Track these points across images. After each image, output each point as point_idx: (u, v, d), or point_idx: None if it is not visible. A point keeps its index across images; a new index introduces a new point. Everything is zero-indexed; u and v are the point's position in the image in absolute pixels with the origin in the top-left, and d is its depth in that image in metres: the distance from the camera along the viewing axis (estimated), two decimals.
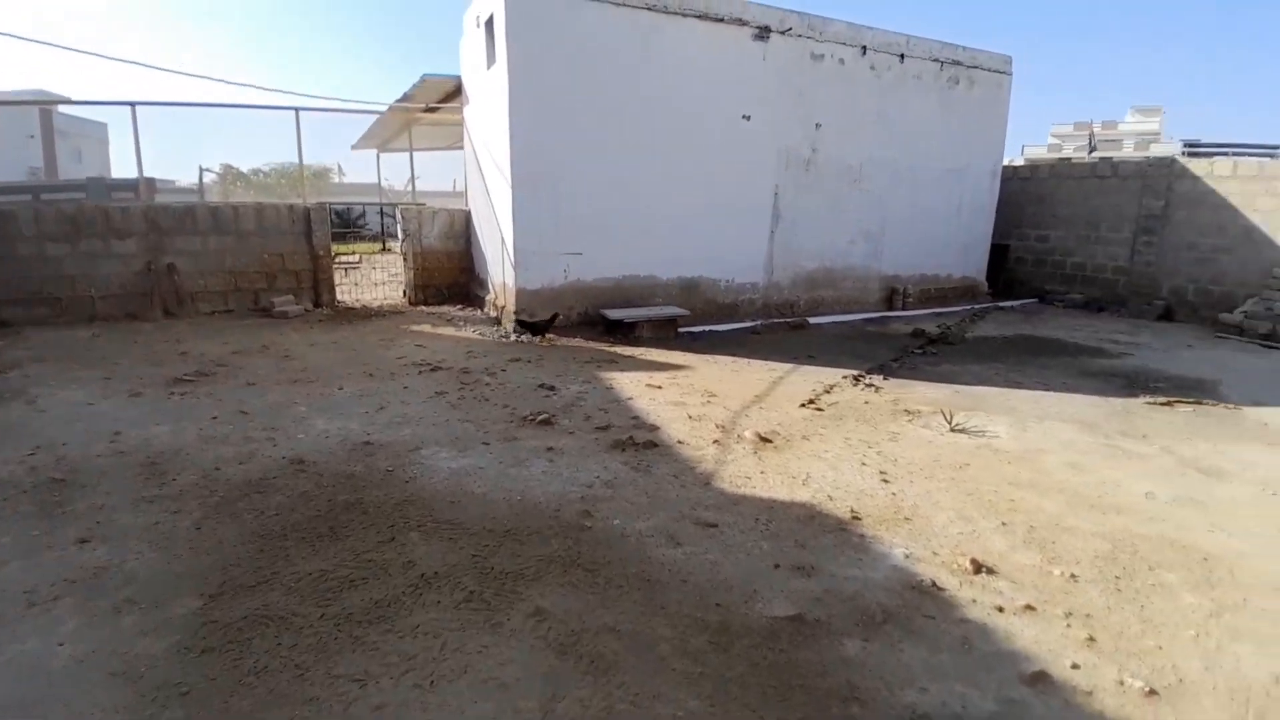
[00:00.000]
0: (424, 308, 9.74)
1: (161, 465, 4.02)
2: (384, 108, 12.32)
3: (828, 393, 5.88)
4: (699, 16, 8.47)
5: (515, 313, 7.94)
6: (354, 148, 19.15)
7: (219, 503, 3.56)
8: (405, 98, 11.68)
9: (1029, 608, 2.81)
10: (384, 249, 18.50)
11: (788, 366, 6.83)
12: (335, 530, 3.28)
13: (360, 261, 14.30)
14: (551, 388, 5.72)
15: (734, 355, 7.24)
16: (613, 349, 7.32)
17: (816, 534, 3.36)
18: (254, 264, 9.08)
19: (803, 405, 5.46)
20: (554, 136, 7.84)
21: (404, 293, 10.23)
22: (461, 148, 11.92)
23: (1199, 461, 4.53)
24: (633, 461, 4.16)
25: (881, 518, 3.56)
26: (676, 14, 8.32)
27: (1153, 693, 2.32)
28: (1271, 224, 9.73)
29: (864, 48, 9.84)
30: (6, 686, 2.27)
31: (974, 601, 2.85)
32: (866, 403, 5.65)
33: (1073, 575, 3.08)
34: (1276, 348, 8.61)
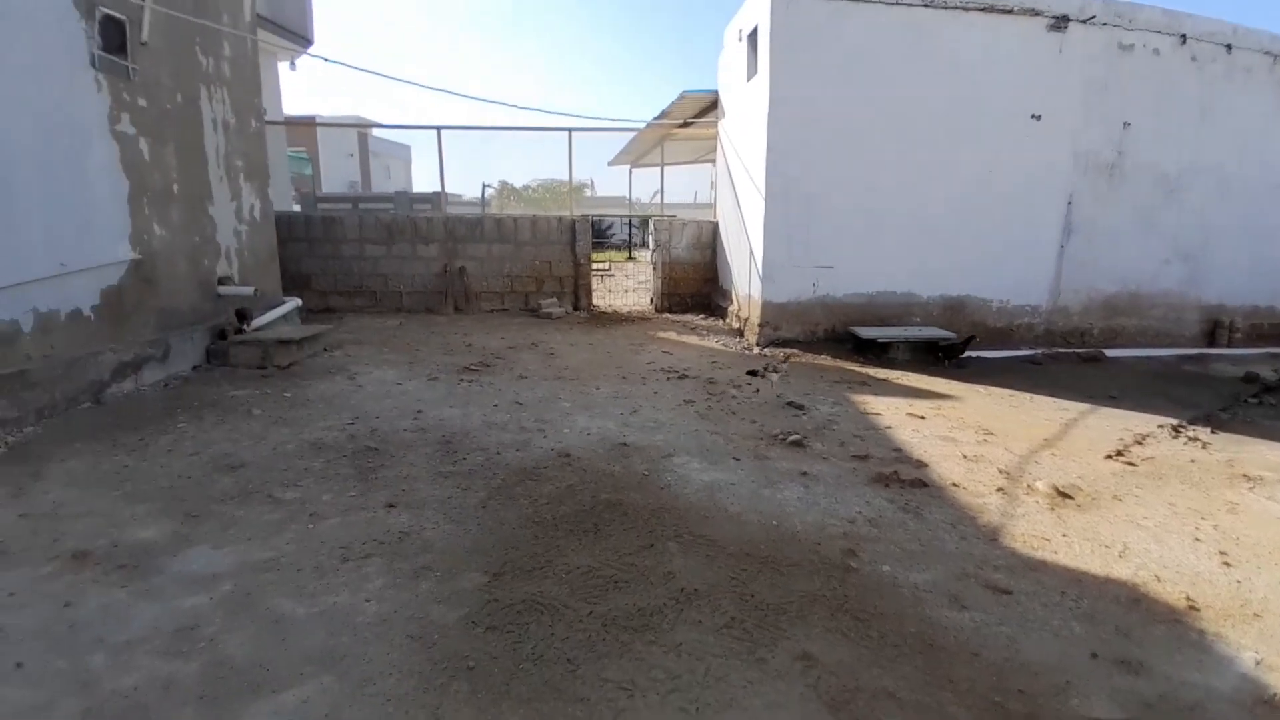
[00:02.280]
0: (669, 315, 10.05)
1: (454, 444, 4.52)
2: (643, 124, 12.96)
3: (1139, 444, 4.89)
4: (983, 9, 7.65)
5: (759, 325, 7.82)
6: (610, 164, 20.51)
7: (500, 485, 3.88)
8: (663, 114, 12.17)
9: None
10: (630, 258, 19.58)
11: (1083, 407, 5.83)
12: (599, 528, 3.38)
13: (611, 269, 15.20)
14: (800, 406, 5.48)
15: (1010, 388, 6.37)
16: (863, 370, 6.85)
17: (1143, 622, 2.73)
18: (526, 269, 10.07)
19: (1109, 457, 4.58)
20: (811, 147, 7.58)
21: (651, 300, 10.65)
22: (707, 161, 12.16)
23: None
24: (899, 500, 3.77)
25: (1225, 611, 2.80)
26: (957, 8, 7.59)
27: None
28: None
29: (1183, 36, 8.19)
30: (319, 636, 2.55)
31: None
32: (1192, 461, 4.60)
33: None
34: None
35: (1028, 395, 6.13)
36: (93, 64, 5.33)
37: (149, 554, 3.15)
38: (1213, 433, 5.23)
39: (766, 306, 7.84)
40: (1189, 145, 8.47)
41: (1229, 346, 8.78)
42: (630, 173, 22.03)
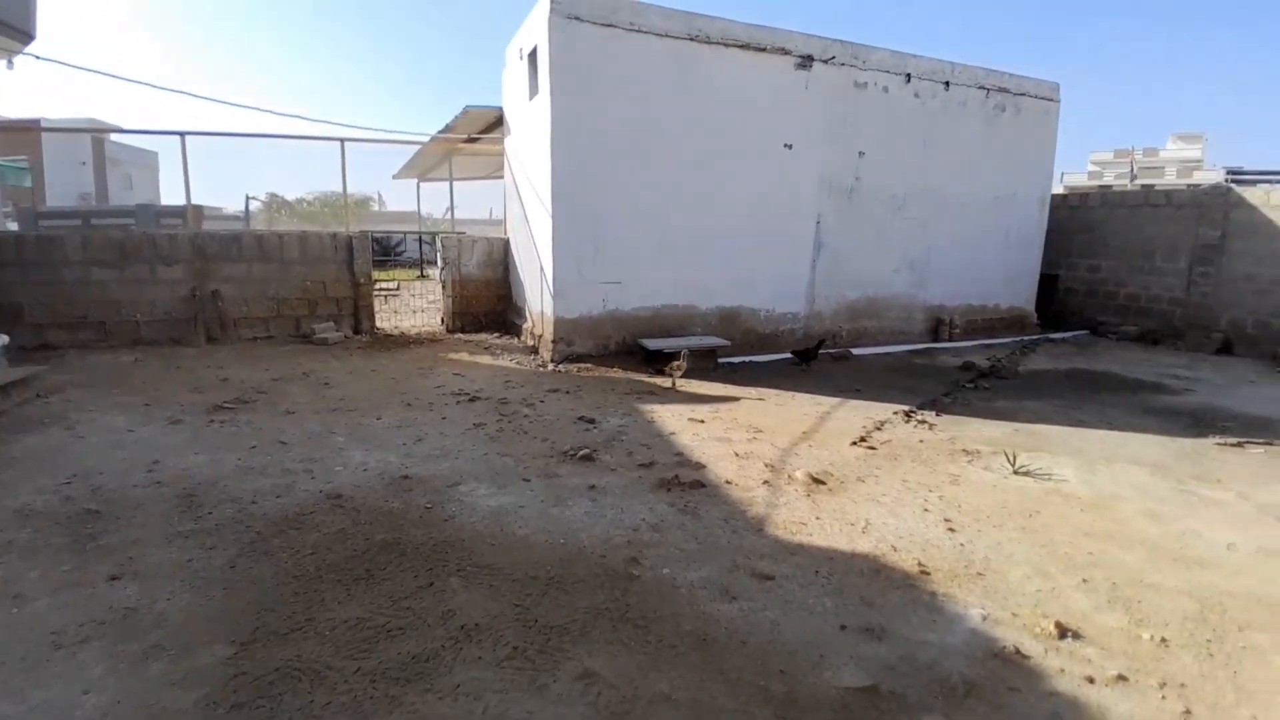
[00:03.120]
0: (461, 335, 9.71)
1: (199, 497, 3.94)
2: (426, 138, 12.48)
3: (879, 429, 5.61)
4: (741, 46, 8.41)
5: (553, 341, 7.84)
6: (395, 177, 19.53)
7: (254, 539, 3.44)
8: (447, 129, 11.83)
9: (1121, 678, 2.54)
10: (422, 276, 18.72)
11: (834, 400, 6.58)
12: (372, 572, 3.13)
13: (399, 289, 14.43)
14: (591, 420, 5.56)
15: (777, 388, 7.01)
16: (652, 380, 7.15)
17: (883, 590, 3.11)
18: (296, 291, 9.16)
19: (854, 443, 5.20)
20: (594, 166, 7.79)
21: (442, 320, 10.23)
22: (500, 177, 12.03)
23: (1278, 509, 4.17)
24: (679, 503, 3.95)
25: (952, 572, 3.29)
26: (718, 44, 8.27)
27: None
28: None
29: (908, 75, 9.69)
30: None
31: (1062, 671, 2.58)
32: (921, 441, 5.38)
33: (1163, 639, 2.80)
34: None
35: (790, 394, 6.79)
36: None
37: None
38: (938, 415, 6.16)
39: (559, 323, 7.88)
40: (914, 170, 9.97)
41: (950, 340, 10.45)
42: (419, 187, 21.15)
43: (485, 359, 8.08)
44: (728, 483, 4.29)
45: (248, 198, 17.89)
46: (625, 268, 8.11)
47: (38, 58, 9.06)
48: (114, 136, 27.39)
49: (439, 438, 5.09)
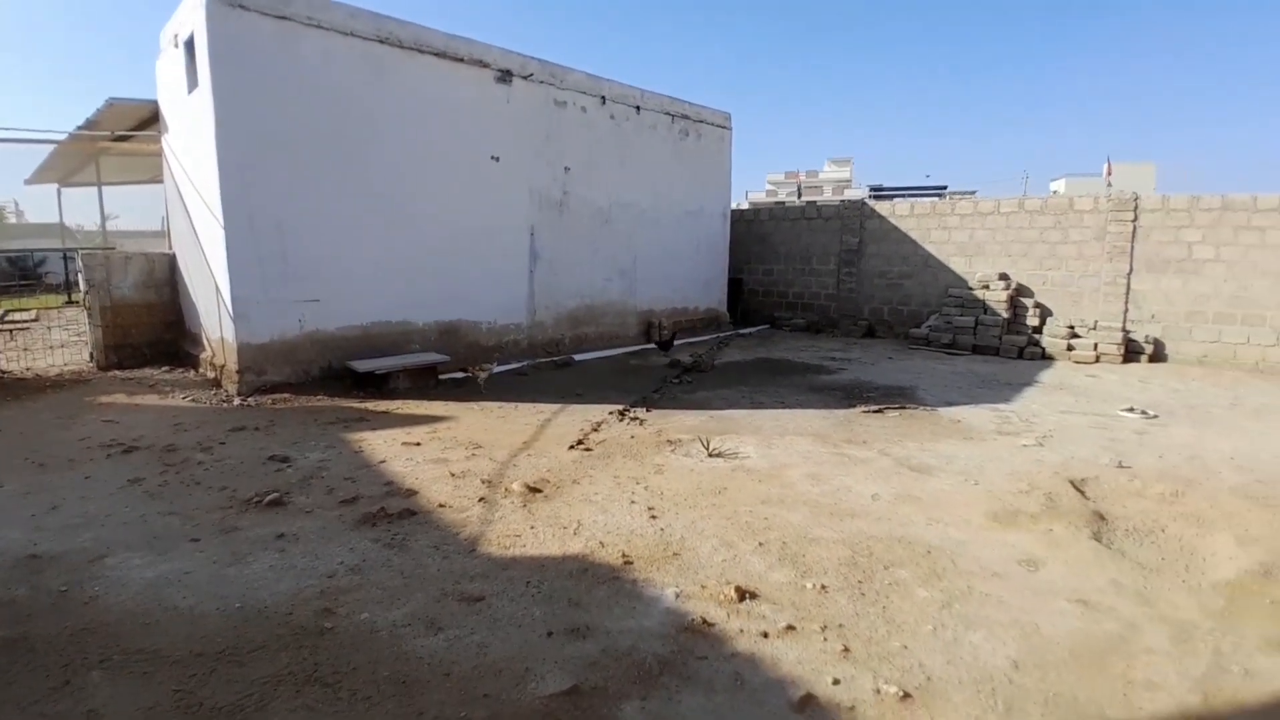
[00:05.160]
0: (118, 372, 8.01)
1: None
2: (63, 136, 10.15)
3: (595, 430, 5.88)
4: (437, 54, 8.23)
5: (238, 371, 6.87)
6: (28, 182, 15.64)
7: None
8: (89, 124, 9.73)
9: (790, 628, 2.93)
10: (70, 301, 15.23)
11: (555, 407, 6.75)
12: None
13: (37, 319, 11.57)
14: (285, 459, 4.97)
15: (500, 400, 6.98)
16: (363, 405, 6.64)
17: (590, 588, 3.24)
18: None
19: (571, 447, 5.38)
20: (275, 172, 7.00)
21: (91, 356, 8.36)
22: (158, 182, 10.27)
23: (910, 460, 5.24)
24: (385, 537, 3.70)
25: (652, 558, 3.55)
26: (412, 49, 7.99)
27: (907, 696, 2.50)
28: (943, 253, 12.07)
29: (603, 98, 10.35)
30: None
31: (741, 632, 2.91)
32: (633, 437, 5.75)
33: (823, 586, 3.29)
34: (956, 354, 10.56)
35: (513, 405, 6.82)
36: None
37: None
38: (648, 411, 6.64)
39: (244, 349, 6.93)
40: (615, 186, 10.66)
41: (660, 341, 11.38)
42: (59, 194, 17.19)
43: (150, 399, 6.79)
44: (441, 506, 4.14)
45: None
46: (324, 284, 7.43)
47: None
48: None
49: (79, 503, 4.14)
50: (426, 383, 7.49)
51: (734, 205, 14.03)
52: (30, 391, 7.15)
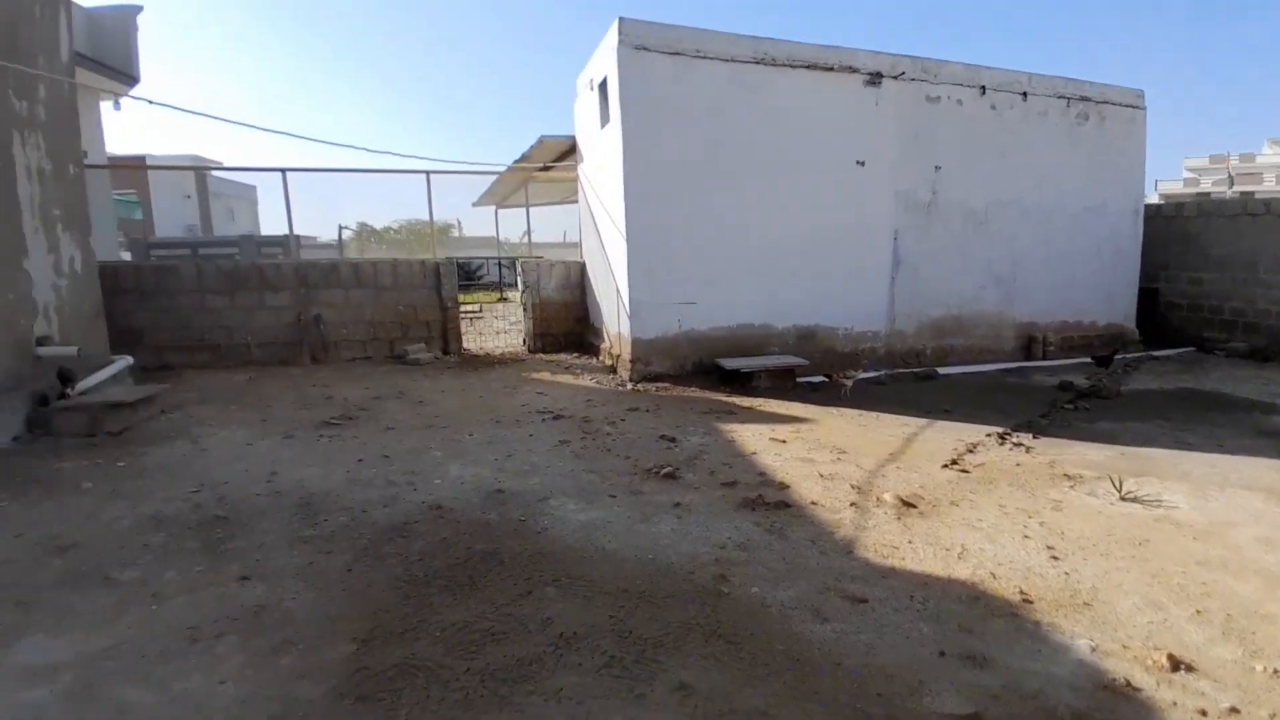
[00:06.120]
0: (542, 355, 10.03)
1: (314, 506, 4.25)
2: (503, 168, 13.00)
3: (971, 452, 5.46)
4: (808, 67, 8.47)
5: (631, 361, 8.00)
6: (475, 205, 20.38)
7: (366, 545, 3.69)
8: (523, 158, 12.29)
9: (1233, 710, 2.41)
10: (502, 299, 19.37)
11: (921, 421, 6.43)
12: (474, 580, 3.30)
13: (481, 311, 14.99)
14: (672, 439, 5.65)
15: (859, 408, 6.91)
16: (730, 399, 7.18)
17: (984, 618, 3.04)
18: (389, 315, 9.70)
19: (945, 466, 5.08)
20: (665, 189, 7.98)
21: (523, 341, 10.59)
22: (574, 202, 12.41)
23: None
24: (765, 523, 3.98)
25: (1057, 601, 3.18)
26: (785, 66, 8.35)
27: None
28: None
29: (982, 88, 9.47)
30: None
31: (1174, 705, 2.46)
32: (1018, 464, 5.20)
33: (1276, 671, 2.63)
34: None
35: (874, 414, 6.68)
36: None
37: None
38: (1034, 438, 5.93)
39: (636, 343, 8.05)
40: (991, 182, 9.70)
41: (1044, 359, 10.02)
42: (496, 214, 21.98)
43: (566, 378, 8.31)
44: (813, 504, 4.28)
45: (340, 227, 19.05)
46: (699, 289, 8.21)
47: (150, 102, 9.96)
48: (217, 171, 29.70)
49: (527, 454, 5.29)
50: (785, 384, 7.78)
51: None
52: (484, 365, 9.32)
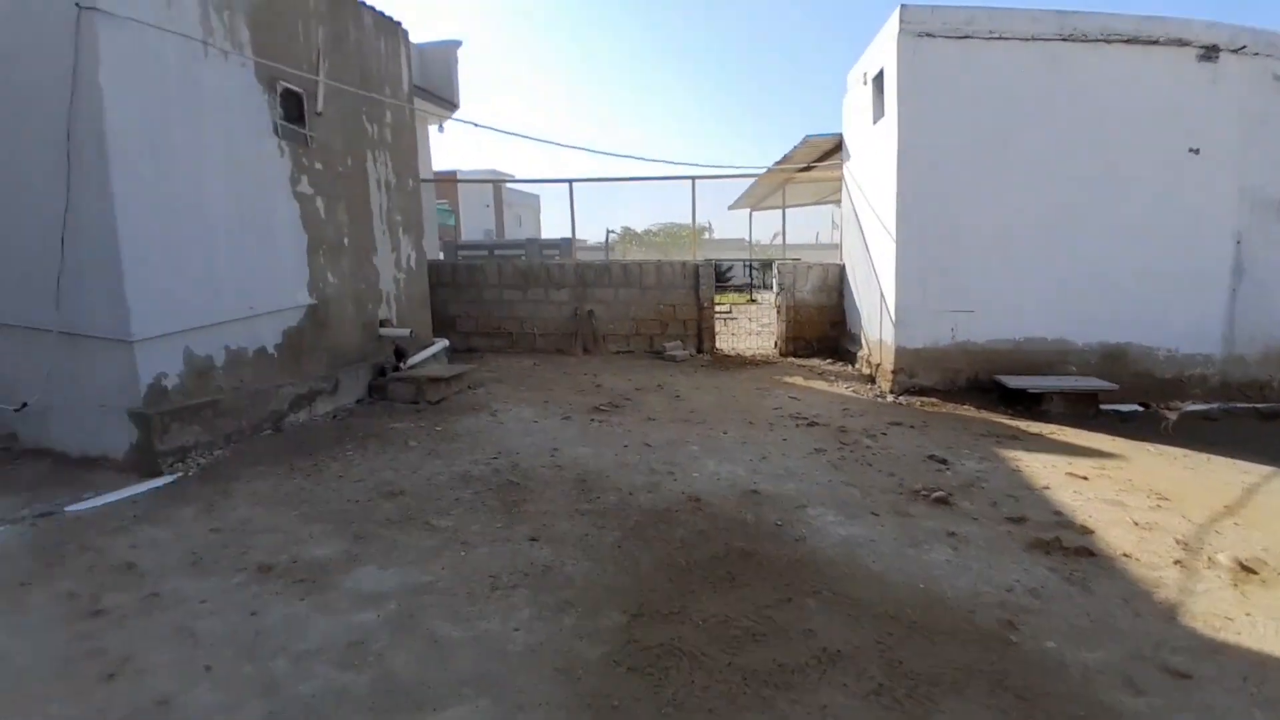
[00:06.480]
0: (794, 359, 9.90)
1: (589, 483, 4.67)
2: (763, 169, 13.05)
3: None
4: (1126, 41, 7.18)
5: (893, 371, 7.54)
6: (730, 208, 20.78)
7: (634, 526, 3.95)
8: (785, 158, 12.21)
9: None
10: (751, 300, 19.51)
11: (1267, 470, 5.15)
12: (733, 577, 3.36)
13: (732, 312, 15.24)
14: (943, 461, 5.20)
15: (1184, 446, 5.73)
16: (1012, 423, 6.41)
17: None
18: (651, 313, 10.32)
19: None
20: (942, 187, 7.35)
21: (775, 343, 10.55)
22: (830, 201, 12.04)
23: None
24: (1062, 570, 3.47)
25: None
26: (1098, 41, 7.17)
27: None
28: None
29: None
30: (473, 660, 2.72)
31: None
32: None
33: None
34: None
35: (1204, 455, 5.49)
36: (276, 132, 6.10)
37: (324, 570, 3.47)
38: None
39: (900, 352, 7.55)
40: None
41: None
42: (750, 216, 22.17)
43: (820, 384, 8.10)
44: (1125, 555, 3.64)
45: (608, 231, 20.66)
46: (978, 295, 7.44)
47: (475, 125, 11.64)
48: (510, 184, 33.99)
49: (781, 458, 5.25)
50: (1084, 410, 6.72)
51: None
52: (735, 365, 9.45)
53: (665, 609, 3.06)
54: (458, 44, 13.94)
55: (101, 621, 2.99)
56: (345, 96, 6.97)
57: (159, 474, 4.82)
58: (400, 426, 6.14)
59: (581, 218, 11.46)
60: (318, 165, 6.62)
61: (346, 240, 7.05)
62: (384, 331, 7.55)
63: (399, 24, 8.03)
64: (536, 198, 36.81)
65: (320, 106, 6.57)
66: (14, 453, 5.23)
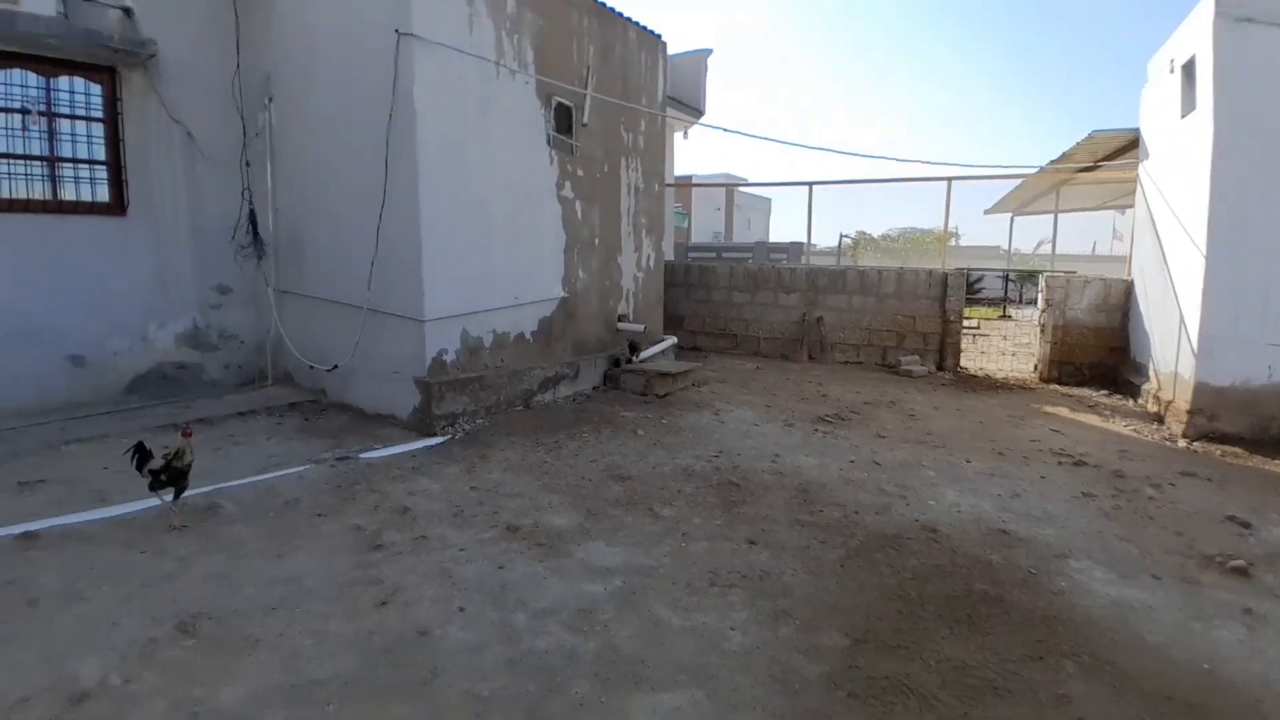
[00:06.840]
0: (1058, 387, 8.68)
1: (810, 494, 4.55)
2: (1034, 169, 11.64)
3: None
4: None
5: (1188, 412, 6.28)
6: (988, 212, 18.77)
7: (859, 547, 3.77)
8: (1063, 157, 10.80)
9: None
10: (1005, 316, 17.58)
11: None
12: (974, 620, 3.06)
13: (981, 328, 13.86)
14: (1246, 524, 4.23)
15: None
16: None
17: None
18: (887, 323, 9.74)
19: None
20: (1269, 196, 5.95)
21: (1035, 367, 9.35)
22: (1112, 207, 10.34)
23: None
24: None
25: None
26: None
27: None
28: None
29: None
30: (690, 649, 2.78)
31: None
32: None
33: None
34: None
35: None
36: (548, 143, 6.78)
37: (560, 538, 3.80)
38: None
39: (1200, 389, 6.26)
40: None
41: None
42: (1011, 222, 19.93)
43: (1090, 418, 7.02)
44: None
45: (840, 235, 19.87)
46: None
47: (725, 130, 11.90)
48: (742, 187, 34.22)
49: (1038, 498, 4.65)
50: None
51: None
52: (983, 387, 8.55)
53: (892, 641, 2.88)
54: (708, 53, 14.34)
55: (379, 555, 3.57)
56: (607, 107, 7.53)
57: (433, 434, 5.64)
58: (630, 415, 6.50)
59: (816, 221, 11.18)
60: (579, 172, 7.25)
61: (597, 240, 7.62)
62: (622, 325, 8.04)
63: (659, 37, 8.48)
64: (768, 201, 36.66)
65: (586, 118, 7.18)
66: (321, 405, 6.48)
